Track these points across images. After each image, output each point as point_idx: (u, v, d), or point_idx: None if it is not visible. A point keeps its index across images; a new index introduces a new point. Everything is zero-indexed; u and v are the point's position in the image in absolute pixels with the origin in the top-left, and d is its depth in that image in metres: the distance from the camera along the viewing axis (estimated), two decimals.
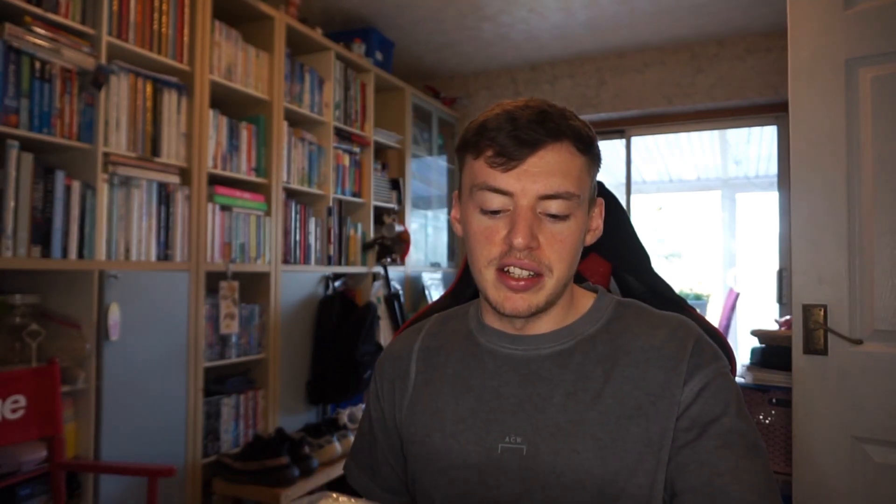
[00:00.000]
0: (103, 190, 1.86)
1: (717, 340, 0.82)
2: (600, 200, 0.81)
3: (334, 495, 0.63)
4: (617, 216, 0.95)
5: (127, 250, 1.94)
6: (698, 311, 0.93)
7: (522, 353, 0.78)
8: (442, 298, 1.10)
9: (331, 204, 2.88)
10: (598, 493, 0.70)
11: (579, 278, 0.90)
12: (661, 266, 7.30)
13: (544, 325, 0.79)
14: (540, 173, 0.71)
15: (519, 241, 0.71)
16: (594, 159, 0.77)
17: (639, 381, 0.73)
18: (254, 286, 2.48)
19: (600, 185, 0.88)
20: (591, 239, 0.80)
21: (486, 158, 0.73)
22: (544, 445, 0.72)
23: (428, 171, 3.87)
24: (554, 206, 0.72)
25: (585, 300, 0.82)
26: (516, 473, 0.73)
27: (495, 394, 0.77)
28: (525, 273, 0.73)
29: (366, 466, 0.91)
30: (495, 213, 0.73)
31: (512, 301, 0.74)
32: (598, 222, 0.81)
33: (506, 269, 0.73)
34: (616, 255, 0.91)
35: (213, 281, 2.25)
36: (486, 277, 0.75)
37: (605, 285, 0.91)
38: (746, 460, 0.68)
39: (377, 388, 0.89)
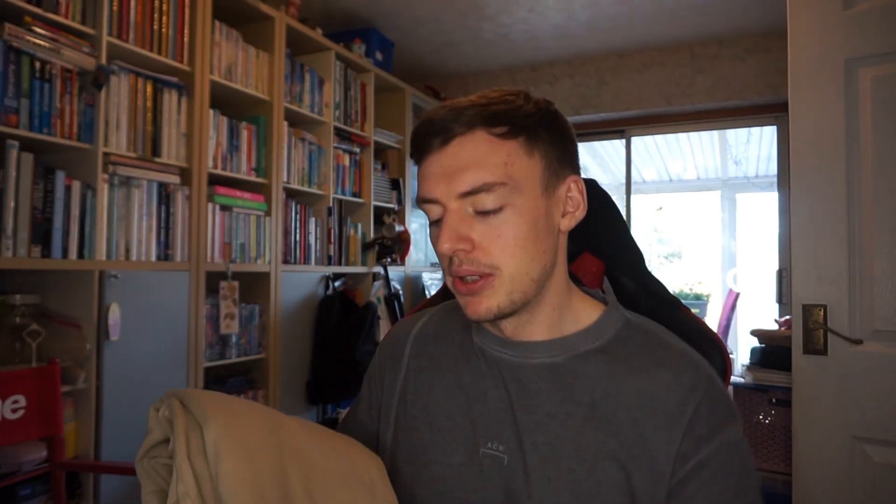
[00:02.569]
0: (103, 190, 1.86)
1: (712, 342, 0.81)
2: (573, 178, 0.73)
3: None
4: (609, 214, 0.93)
5: (127, 250, 1.94)
6: (697, 311, 0.93)
7: (511, 358, 0.74)
8: (434, 296, 1.10)
9: (331, 204, 2.88)
10: None
11: (580, 281, 0.87)
12: (661, 266, 7.30)
13: (536, 332, 0.74)
14: (454, 171, 0.67)
15: (443, 247, 0.67)
16: (533, 138, 0.69)
17: (627, 428, 0.68)
18: (254, 286, 2.49)
19: (591, 182, 0.85)
20: (569, 222, 0.73)
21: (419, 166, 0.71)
22: (522, 461, 0.70)
23: None
24: (479, 202, 0.67)
25: (590, 312, 0.76)
26: (496, 482, 0.70)
27: (483, 396, 0.75)
28: (472, 277, 0.69)
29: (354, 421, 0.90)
30: (437, 222, 0.70)
31: (472, 306, 0.70)
32: (576, 202, 0.73)
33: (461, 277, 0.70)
34: (609, 253, 0.89)
35: (213, 281, 2.25)
36: (452, 287, 0.72)
37: (598, 285, 0.89)
38: None
39: (372, 368, 0.88)
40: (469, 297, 0.70)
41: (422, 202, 0.71)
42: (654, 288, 0.89)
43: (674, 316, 0.85)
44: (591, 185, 0.85)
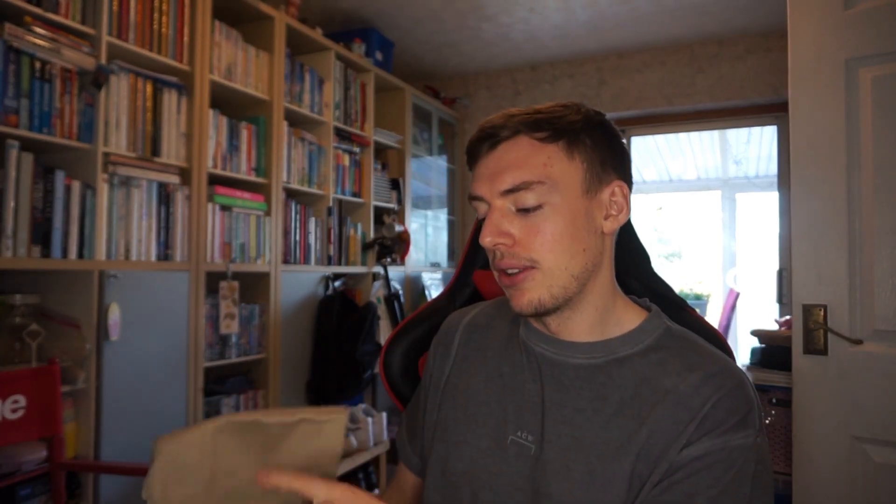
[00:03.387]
0: (103, 190, 1.86)
1: (718, 343, 0.82)
2: (618, 183, 0.76)
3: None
4: None
5: (127, 250, 1.94)
6: (698, 311, 0.93)
7: (552, 355, 0.77)
8: (438, 298, 1.09)
9: (331, 204, 2.88)
10: None
11: (638, 291, 0.89)
12: (662, 266, 7.30)
13: (579, 331, 0.77)
14: (498, 171, 0.73)
15: (484, 240, 0.72)
16: (574, 142, 0.73)
17: (648, 422, 0.70)
18: (254, 286, 2.48)
19: None
20: (612, 224, 0.76)
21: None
22: (546, 451, 0.73)
23: (428, 171, 3.87)
24: (519, 199, 0.72)
25: (634, 317, 0.78)
26: (520, 469, 0.73)
27: (521, 387, 0.78)
28: (513, 270, 0.73)
29: (409, 429, 0.94)
30: (484, 219, 0.75)
31: (515, 298, 0.74)
32: (620, 205, 0.76)
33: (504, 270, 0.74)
34: (616, 255, 0.91)
35: (213, 281, 2.25)
36: (499, 281, 0.76)
37: None
38: None
39: (430, 355, 0.93)
40: (512, 290, 0.74)
41: (471, 199, 0.77)
42: (660, 289, 0.90)
43: (679, 317, 0.86)
44: None
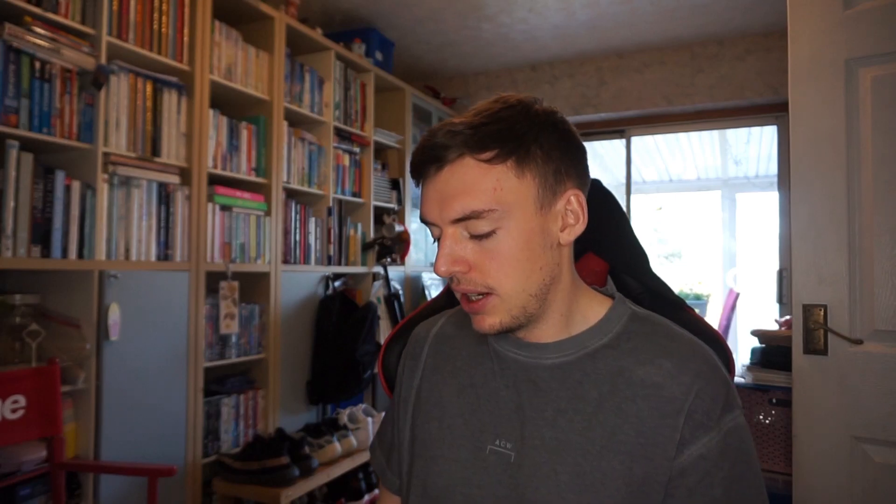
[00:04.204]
0: (103, 190, 1.86)
1: (716, 342, 0.81)
2: (573, 192, 0.72)
3: None
4: (613, 215, 0.93)
5: (127, 250, 1.94)
6: (697, 311, 0.93)
7: (525, 359, 0.76)
8: (438, 297, 1.10)
9: (331, 204, 2.88)
10: None
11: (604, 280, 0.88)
12: (661, 266, 7.30)
13: (546, 334, 0.76)
14: (446, 198, 0.69)
15: (439, 269, 0.70)
16: (524, 158, 0.69)
17: (632, 418, 0.69)
18: (254, 286, 2.48)
19: (595, 182, 0.85)
20: (569, 235, 0.73)
21: None
22: (529, 457, 0.72)
23: None
24: (471, 227, 0.69)
25: (598, 308, 0.78)
26: (501, 478, 0.72)
27: (495, 395, 0.77)
28: (475, 296, 0.72)
29: (384, 447, 0.92)
30: (438, 240, 0.73)
31: (477, 322, 0.73)
32: (576, 214, 0.73)
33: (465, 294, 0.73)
34: (613, 254, 0.90)
35: (213, 281, 2.25)
36: (460, 301, 0.75)
37: (602, 284, 0.89)
38: None
39: (399, 369, 0.91)
40: (473, 316, 0.73)
41: (423, 222, 0.74)
42: (659, 289, 0.90)
43: (678, 316, 0.85)
44: (595, 186, 0.85)
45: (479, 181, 0.68)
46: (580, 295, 0.78)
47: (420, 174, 0.72)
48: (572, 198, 0.72)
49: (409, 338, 0.93)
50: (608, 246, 0.89)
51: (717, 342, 0.82)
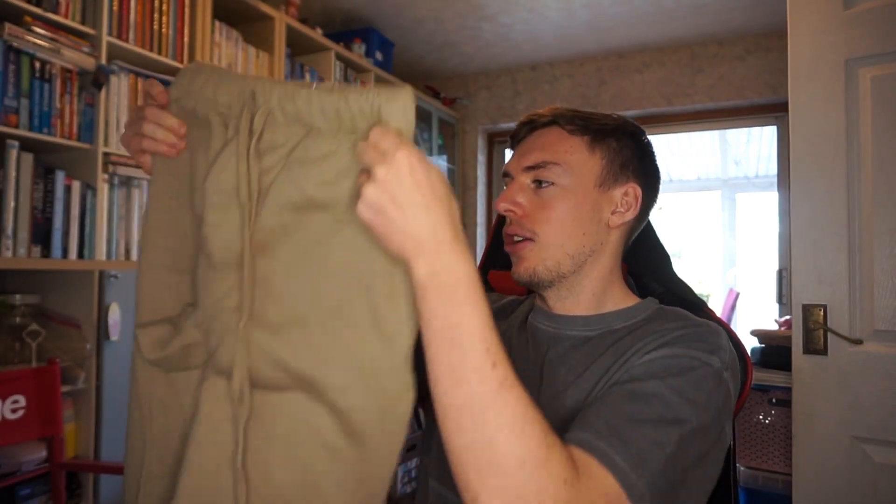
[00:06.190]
0: (103, 190, 1.85)
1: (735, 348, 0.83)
2: (633, 186, 0.82)
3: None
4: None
5: (127, 250, 1.93)
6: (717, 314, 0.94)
7: (551, 329, 0.83)
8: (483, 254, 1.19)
9: None
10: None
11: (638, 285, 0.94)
12: None
13: (576, 308, 0.82)
14: (527, 151, 0.82)
15: (498, 205, 0.80)
16: (599, 140, 0.81)
17: (619, 354, 0.74)
18: None
19: None
20: (618, 220, 0.81)
21: None
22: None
23: None
24: (537, 175, 0.80)
25: (629, 300, 0.84)
26: None
27: (524, 365, 0.80)
28: (517, 238, 0.80)
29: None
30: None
31: (514, 265, 0.81)
32: (628, 205, 0.81)
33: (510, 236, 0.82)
34: (633, 255, 0.92)
35: None
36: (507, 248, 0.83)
37: None
38: (629, 399, 0.65)
39: None
40: (514, 257, 0.81)
41: (503, 176, 0.85)
42: (680, 291, 0.94)
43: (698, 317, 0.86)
44: None
45: (557, 143, 0.81)
46: (616, 285, 0.84)
47: (515, 136, 0.86)
48: (631, 190, 0.82)
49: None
50: (631, 248, 0.90)
51: (737, 347, 0.83)
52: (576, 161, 0.79)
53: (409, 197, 0.53)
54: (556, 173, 0.79)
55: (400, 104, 0.57)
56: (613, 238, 0.82)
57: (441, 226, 0.55)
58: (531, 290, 0.88)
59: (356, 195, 0.56)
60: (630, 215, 0.82)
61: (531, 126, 0.84)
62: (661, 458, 0.60)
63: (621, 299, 0.83)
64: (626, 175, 0.82)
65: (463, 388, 0.54)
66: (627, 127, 0.84)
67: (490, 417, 0.52)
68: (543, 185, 0.79)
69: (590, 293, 0.82)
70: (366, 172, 0.55)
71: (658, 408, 0.64)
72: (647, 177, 0.84)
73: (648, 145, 0.85)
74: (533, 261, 0.79)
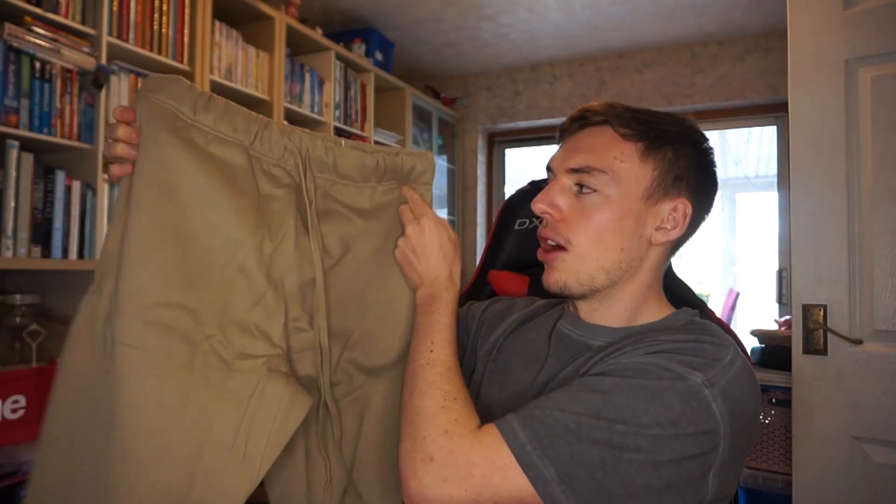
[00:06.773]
0: (103, 190, 1.85)
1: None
2: (683, 202, 0.75)
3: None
4: None
5: None
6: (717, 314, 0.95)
7: (576, 336, 0.79)
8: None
9: None
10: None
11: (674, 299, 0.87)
12: None
13: (607, 320, 0.78)
14: (573, 151, 0.76)
15: (535, 205, 0.76)
16: (654, 149, 0.74)
17: (604, 354, 0.73)
18: None
19: None
20: (661, 237, 0.75)
21: None
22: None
23: None
24: (580, 178, 0.74)
25: (662, 313, 0.79)
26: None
27: (554, 372, 0.78)
28: (551, 242, 0.76)
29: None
30: None
31: (545, 274, 0.78)
32: (676, 222, 0.75)
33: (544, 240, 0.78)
34: None
35: None
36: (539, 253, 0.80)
37: None
38: (569, 393, 0.65)
39: (489, 308, 0.96)
40: (545, 265, 0.78)
41: (546, 169, 0.81)
42: (680, 292, 0.94)
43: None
44: None
45: (607, 147, 0.74)
46: (652, 300, 0.79)
47: (564, 130, 0.80)
48: (681, 206, 0.75)
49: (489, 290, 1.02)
50: None
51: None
52: (625, 170, 0.73)
53: (423, 249, 0.80)
54: (601, 181, 0.73)
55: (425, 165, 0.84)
56: (654, 255, 0.76)
57: (440, 270, 0.81)
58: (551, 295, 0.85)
59: (395, 245, 0.82)
60: (675, 234, 0.75)
61: (582, 122, 0.77)
62: (574, 445, 0.60)
63: (655, 313, 0.78)
64: (678, 189, 0.75)
65: (411, 364, 0.75)
66: (689, 134, 0.76)
67: (414, 384, 0.71)
68: (585, 190, 0.74)
69: (622, 307, 0.77)
70: (401, 226, 0.82)
71: (596, 402, 0.62)
72: (701, 192, 0.77)
73: (709, 154, 0.78)
74: (565, 273, 0.75)
